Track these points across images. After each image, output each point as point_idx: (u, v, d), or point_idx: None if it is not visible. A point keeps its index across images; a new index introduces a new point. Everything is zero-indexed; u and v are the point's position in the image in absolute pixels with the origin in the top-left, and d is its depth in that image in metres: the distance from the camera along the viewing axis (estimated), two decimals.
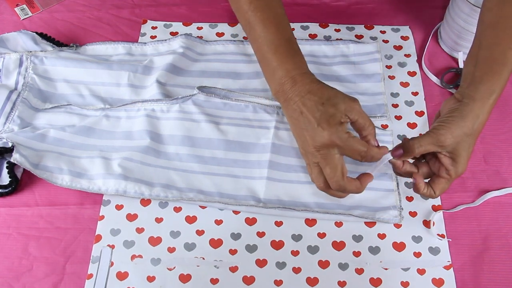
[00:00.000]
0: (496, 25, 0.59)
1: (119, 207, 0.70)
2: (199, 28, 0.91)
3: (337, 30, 0.90)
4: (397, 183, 0.71)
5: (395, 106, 0.80)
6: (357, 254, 0.66)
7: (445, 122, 0.58)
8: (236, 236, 0.68)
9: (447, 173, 0.59)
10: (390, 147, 0.74)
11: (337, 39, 0.88)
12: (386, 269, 0.65)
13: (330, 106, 0.57)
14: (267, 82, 0.63)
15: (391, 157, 0.61)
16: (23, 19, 0.93)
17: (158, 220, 0.69)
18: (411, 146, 0.58)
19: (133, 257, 0.66)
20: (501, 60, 0.58)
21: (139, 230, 0.68)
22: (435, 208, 0.69)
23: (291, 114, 0.60)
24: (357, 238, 0.67)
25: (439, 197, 0.70)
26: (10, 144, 0.71)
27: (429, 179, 0.63)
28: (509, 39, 0.58)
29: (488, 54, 0.59)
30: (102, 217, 0.69)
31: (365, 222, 0.68)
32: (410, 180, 0.72)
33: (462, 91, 0.60)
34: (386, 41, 0.88)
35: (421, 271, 0.65)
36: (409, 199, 0.70)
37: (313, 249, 0.67)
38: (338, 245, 0.67)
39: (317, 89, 0.59)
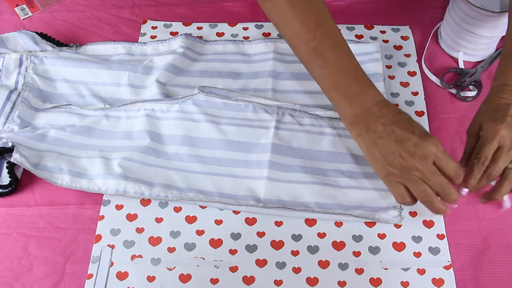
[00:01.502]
0: None
1: (119, 207, 0.70)
2: (199, 28, 0.91)
3: None
4: None
5: (395, 106, 0.80)
6: (357, 254, 0.66)
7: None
8: (236, 236, 0.68)
9: None
10: None
11: None
12: (386, 269, 0.65)
13: (420, 126, 0.60)
14: (341, 106, 0.63)
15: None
16: (23, 19, 0.93)
17: (158, 220, 0.69)
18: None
19: (133, 257, 0.66)
20: None
21: (139, 230, 0.68)
22: None
23: (378, 133, 0.60)
24: (357, 238, 0.67)
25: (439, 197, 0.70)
26: (10, 144, 0.71)
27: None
28: None
29: None
30: (102, 217, 0.69)
31: (365, 222, 0.68)
32: None
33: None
34: (386, 41, 0.88)
35: (421, 271, 0.65)
36: None
37: (313, 249, 0.67)
38: (338, 245, 0.67)
39: (401, 112, 0.61)
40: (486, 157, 0.62)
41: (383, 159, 0.60)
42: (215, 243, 0.67)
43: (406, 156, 0.58)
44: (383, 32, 0.89)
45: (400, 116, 0.61)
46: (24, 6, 0.94)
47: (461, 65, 0.84)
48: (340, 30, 0.65)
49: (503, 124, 0.62)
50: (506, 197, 0.67)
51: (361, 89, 0.62)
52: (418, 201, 0.61)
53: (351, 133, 0.64)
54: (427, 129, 0.77)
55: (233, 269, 0.65)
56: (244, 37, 0.89)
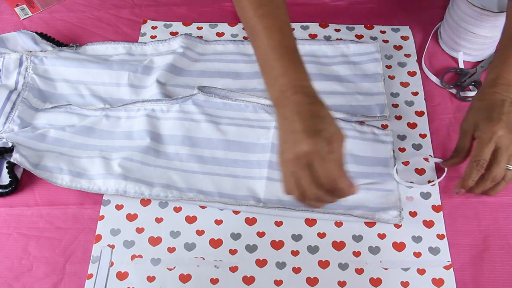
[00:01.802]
0: None
1: (119, 207, 0.70)
2: (199, 28, 0.91)
3: (337, 30, 0.90)
4: (397, 183, 0.71)
5: (395, 106, 0.80)
6: (357, 254, 0.66)
7: None
8: (236, 236, 0.68)
9: None
10: (390, 147, 0.74)
11: (337, 39, 0.88)
12: (386, 269, 0.65)
13: (320, 123, 0.56)
14: (267, 88, 0.62)
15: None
16: (23, 19, 0.93)
17: (158, 220, 0.69)
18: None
19: (133, 257, 0.66)
20: None
21: (139, 230, 0.68)
22: (435, 208, 0.69)
23: (286, 117, 0.57)
24: (357, 238, 0.67)
25: (439, 196, 0.70)
26: (10, 144, 0.71)
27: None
28: None
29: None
30: (102, 217, 0.69)
31: (365, 222, 0.68)
32: (409, 180, 0.72)
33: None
34: (386, 41, 0.88)
35: (421, 271, 0.65)
36: (409, 199, 0.70)
37: (313, 249, 0.67)
38: (338, 245, 0.67)
39: (317, 103, 0.58)
40: (485, 159, 0.62)
41: (280, 146, 0.58)
42: (215, 243, 0.67)
43: (288, 151, 0.55)
44: (383, 32, 0.89)
45: (306, 107, 0.56)
46: (24, 6, 0.94)
47: (461, 65, 0.84)
48: (286, 11, 0.63)
49: (500, 124, 0.61)
50: None
51: (283, 71, 0.59)
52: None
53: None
54: (427, 129, 0.77)
55: (233, 269, 0.65)
56: (244, 37, 0.89)
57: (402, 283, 0.64)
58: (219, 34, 0.90)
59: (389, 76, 0.83)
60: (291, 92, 0.57)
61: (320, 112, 0.57)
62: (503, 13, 0.76)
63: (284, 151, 0.56)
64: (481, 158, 0.62)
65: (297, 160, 0.54)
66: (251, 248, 0.67)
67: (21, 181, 0.73)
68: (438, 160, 0.73)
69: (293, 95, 0.57)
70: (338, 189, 0.55)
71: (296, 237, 0.68)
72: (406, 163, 0.73)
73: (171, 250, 0.67)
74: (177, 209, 0.70)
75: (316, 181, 0.54)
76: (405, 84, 0.82)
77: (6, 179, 0.71)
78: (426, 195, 0.71)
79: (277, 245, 0.67)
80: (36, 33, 0.85)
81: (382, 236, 0.67)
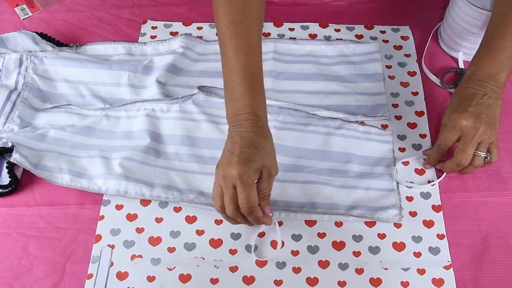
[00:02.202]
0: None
1: (119, 207, 0.70)
2: (199, 28, 0.91)
3: (337, 30, 0.90)
4: (397, 183, 0.71)
5: (395, 106, 0.80)
6: (357, 254, 0.66)
7: None
8: (236, 236, 0.68)
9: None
10: (390, 147, 0.74)
11: (337, 39, 0.88)
12: (386, 269, 0.65)
13: (258, 155, 0.60)
14: (226, 104, 0.64)
15: None
16: (23, 19, 0.93)
17: (158, 220, 0.69)
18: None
19: (133, 257, 0.66)
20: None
21: (139, 230, 0.68)
22: (435, 208, 0.69)
23: (232, 136, 0.62)
24: (357, 238, 0.67)
25: (439, 196, 0.70)
26: (10, 144, 0.71)
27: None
28: None
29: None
30: (102, 217, 0.69)
31: (365, 222, 0.68)
32: (410, 180, 0.72)
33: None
34: (386, 41, 0.88)
35: (421, 271, 0.65)
36: (409, 199, 0.70)
37: (313, 249, 0.67)
38: (338, 245, 0.67)
39: (261, 135, 0.62)
40: (446, 144, 0.68)
41: (220, 158, 0.62)
42: (215, 243, 0.67)
43: (222, 167, 0.60)
44: (383, 32, 0.89)
45: (251, 135, 0.61)
46: (24, 6, 0.94)
47: (461, 65, 0.84)
48: (259, 30, 0.66)
49: (464, 115, 0.65)
50: None
51: (241, 96, 0.62)
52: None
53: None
54: (427, 129, 0.77)
55: (233, 269, 0.65)
56: None
57: (402, 283, 0.64)
58: None
59: (389, 76, 0.83)
60: (243, 117, 0.62)
61: (260, 143, 0.61)
62: None
63: (219, 165, 0.61)
64: (442, 142, 0.68)
65: (225, 179, 0.59)
66: (251, 248, 0.67)
67: (21, 181, 0.73)
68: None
69: (244, 121, 0.62)
70: (252, 215, 0.61)
71: (296, 237, 0.67)
72: (406, 163, 0.73)
73: (171, 250, 0.67)
74: (177, 209, 0.70)
75: (235, 202, 0.60)
76: (405, 84, 0.82)
77: (6, 179, 0.71)
78: (426, 195, 0.71)
79: (277, 245, 0.67)
80: (36, 33, 0.85)
81: (382, 236, 0.67)
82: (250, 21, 0.65)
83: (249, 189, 0.59)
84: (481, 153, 0.66)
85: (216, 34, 0.89)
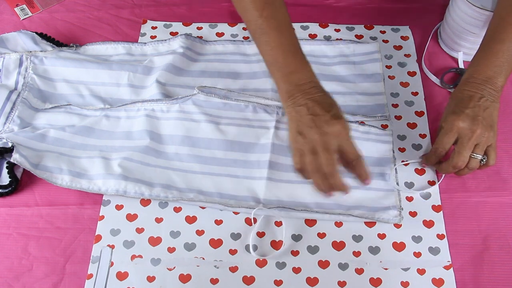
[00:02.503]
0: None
1: (119, 207, 0.70)
2: (199, 28, 0.91)
3: (337, 30, 0.90)
4: (397, 183, 0.71)
5: (395, 106, 0.80)
6: (357, 254, 0.66)
7: None
8: (236, 236, 0.68)
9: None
10: (390, 147, 0.74)
11: (337, 39, 0.88)
12: (386, 269, 0.65)
13: (339, 111, 0.64)
14: (278, 82, 0.67)
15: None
16: (23, 19, 0.93)
17: (158, 220, 0.69)
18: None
19: (133, 257, 0.66)
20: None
21: (139, 230, 0.68)
22: (435, 208, 0.69)
23: (301, 105, 0.64)
24: (357, 238, 0.67)
25: (439, 196, 0.70)
26: (10, 144, 0.71)
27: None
28: None
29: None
30: (102, 217, 0.69)
31: (365, 222, 0.68)
32: (409, 180, 0.72)
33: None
34: (386, 41, 0.88)
35: (421, 271, 0.65)
36: (409, 199, 0.70)
37: (313, 249, 0.67)
38: (338, 245, 0.67)
39: (329, 96, 0.65)
40: (444, 148, 0.67)
41: (297, 127, 0.64)
42: (215, 243, 0.67)
43: (313, 127, 0.62)
44: (383, 32, 0.89)
45: (324, 97, 0.65)
46: (24, 6, 0.94)
47: (461, 65, 0.84)
48: (286, 10, 0.68)
49: (461, 117, 0.65)
50: None
51: (297, 68, 0.66)
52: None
53: (283, 106, 0.67)
54: (427, 129, 0.77)
55: (233, 269, 0.65)
56: (244, 37, 0.89)
57: (402, 283, 0.64)
58: (219, 34, 0.90)
59: (389, 76, 0.83)
60: (307, 86, 0.65)
61: (332, 102, 0.65)
62: None
63: (301, 131, 0.63)
64: (439, 146, 0.67)
65: (326, 136, 0.62)
66: (251, 248, 0.67)
67: (21, 181, 0.73)
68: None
69: (310, 88, 0.65)
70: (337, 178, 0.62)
71: (296, 237, 0.68)
72: (406, 164, 0.73)
73: (171, 250, 0.67)
74: (177, 209, 0.70)
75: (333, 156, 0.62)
76: (405, 84, 0.82)
77: (6, 179, 0.71)
78: (426, 195, 0.71)
79: (277, 245, 0.67)
80: (36, 33, 0.85)
81: (382, 236, 0.67)
82: (278, 1, 0.67)
83: (352, 141, 0.63)
84: (477, 155, 0.66)
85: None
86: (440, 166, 0.70)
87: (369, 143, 0.75)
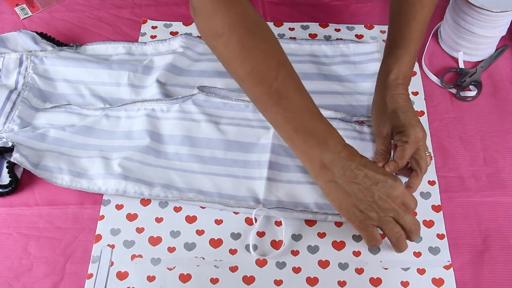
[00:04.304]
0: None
1: (119, 207, 0.70)
2: None
3: (337, 30, 0.90)
4: None
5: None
6: (357, 254, 0.66)
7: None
8: (236, 236, 0.68)
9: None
10: None
11: (337, 39, 0.88)
12: (386, 269, 0.65)
13: (383, 169, 0.62)
14: (309, 153, 0.60)
15: None
16: (23, 19, 0.93)
17: (158, 220, 0.69)
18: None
19: (133, 257, 0.66)
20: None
21: (139, 230, 0.68)
22: (435, 208, 0.69)
23: (353, 178, 0.59)
24: (357, 238, 0.67)
25: (438, 197, 0.70)
26: (10, 144, 0.71)
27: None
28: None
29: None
30: (102, 217, 0.69)
31: None
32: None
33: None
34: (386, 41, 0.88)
35: (421, 271, 0.65)
36: None
37: (313, 249, 0.67)
38: (338, 245, 0.67)
39: (367, 159, 0.62)
40: (407, 159, 0.66)
41: (360, 204, 0.59)
42: (215, 243, 0.67)
43: (384, 198, 0.59)
44: (383, 32, 0.89)
45: (366, 159, 0.61)
46: (24, 6, 0.94)
47: (461, 65, 0.84)
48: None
49: (419, 127, 0.66)
50: None
51: (329, 132, 0.60)
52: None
53: (318, 179, 0.61)
54: (427, 129, 0.77)
55: (233, 269, 0.65)
56: None
57: (402, 283, 0.64)
58: None
59: None
60: (346, 152, 0.59)
61: (371, 161, 0.62)
62: (503, 13, 0.76)
63: (367, 204, 0.59)
64: (404, 159, 0.66)
65: (395, 200, 0.59)
66: (251, 248, 0.67)
67: (21, 181, 0.73)
68: None
69: (349, 155, 0.59)
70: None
71: (296, 237, 0.68)
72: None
73: (171, 250, 0.67)
74: (177, 209, 0.70)
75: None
76: None
77: (6, 179, 0.71)
78: (426, 195, 0.71)
79: (277, 245, 0.67)
80: (36, 33, 0.85)
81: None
82: (287, 59, 0.61)
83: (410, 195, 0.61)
84: (427, 152, 0.68)
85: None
86: (414, 183, 0.68)
87: (369, 143, 0.75)
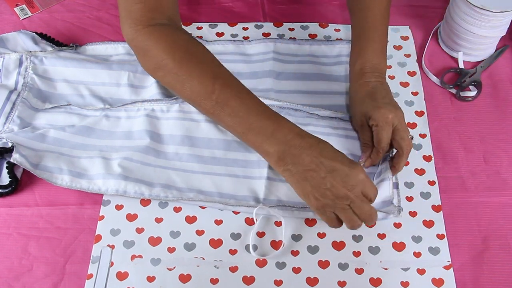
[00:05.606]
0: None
1: (119, 207, 0.70)
2: (199, 28, 0.91)
3: (337, 30, 0.90)
4: (397, 183, 0.71)
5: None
6: (357, 254, 0.66)
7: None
8: (236, 236, 0.68)
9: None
10: None
11: (337, 39, 0.88)
12: (386, 269, 0.65)
13: (344, 155, 0.61)
14: (262, 147, 0.62)
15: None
16: (22, 19, 0.93)
17: (158, 220, 0.69)
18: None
19: (133, 257, 0.66)
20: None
21: (139, 230, 0.68)
22: (435, 208, 0.69)
23: (307, 166, 0.60)
24: (357, 238, 0.67)
25: (438, 196, 0.70)
26: (10, 144, 0.71)
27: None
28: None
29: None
30: (102, 217, 0.69)
31: None
32: (409, 180, 0.72)
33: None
34: None
35: (421, 271, 0.65)
36: (409, 199, 0.70)
37: (313, 249, 0.67)
38: (338, 245, 0.67)
39: (323, 141, 0.62)
40: (387, 142, 0.67)
41: (315, 192, 0.60)
42: (215, 243, 0.67)
43: (338, 186, 0.59)
44: None
45: (323, 145, 0.61)
46: (24, 6, 0.94)
47: (461, 65, 0.84)
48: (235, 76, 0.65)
49: (386, 108, 0.66)
50: None
51: (276, 126, 0.62)
52: None
53: (277, 170, 0.63)
54: (427, 129, 0.77)
55: (233, 269, 0.65)
56: (244, 37, 0.89)
57: (402, 283, 0.64)
58: (219, 34, 0.90)
59: (389, 76, 0.83)
60: (298, 139, 0.61)
61: (331, 146, 0.62)
62: (503, 13, 0.76)
63: (323, 194, 0.59)
64: (382, 143, 0.66)
65: (352, 189, 0.59)
66: (251, 248, 0.67)
67: (21, 181, 0.73)
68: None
69: (301, 141, 0.61)
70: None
71: (296, 237, 0.68)
72: (406, 163, 0.73)
73: (171, 250, 0.67)
74: (177, 209, 0.70)
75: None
76: (405, 84, 0.82)
77: (6, 179, 0.71)
78: (426, 195, 0.71)
79: (277, 245, 0.67)
80: (36, 33, 0.85)
81: (382, 236, 0.67)
82: (223, 68, 0.65)
83: (371, 180, 0.61)
84: (409, 135, 0.68)
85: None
86: (397, 167, 0.68)
87: None
